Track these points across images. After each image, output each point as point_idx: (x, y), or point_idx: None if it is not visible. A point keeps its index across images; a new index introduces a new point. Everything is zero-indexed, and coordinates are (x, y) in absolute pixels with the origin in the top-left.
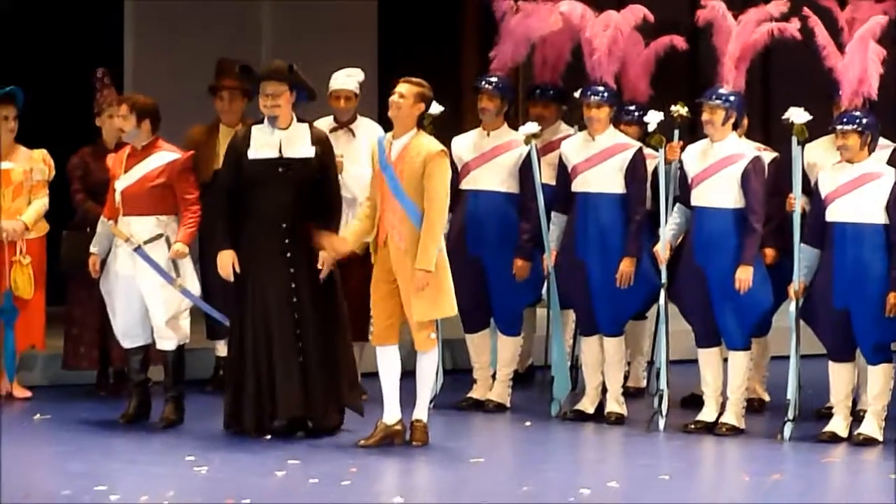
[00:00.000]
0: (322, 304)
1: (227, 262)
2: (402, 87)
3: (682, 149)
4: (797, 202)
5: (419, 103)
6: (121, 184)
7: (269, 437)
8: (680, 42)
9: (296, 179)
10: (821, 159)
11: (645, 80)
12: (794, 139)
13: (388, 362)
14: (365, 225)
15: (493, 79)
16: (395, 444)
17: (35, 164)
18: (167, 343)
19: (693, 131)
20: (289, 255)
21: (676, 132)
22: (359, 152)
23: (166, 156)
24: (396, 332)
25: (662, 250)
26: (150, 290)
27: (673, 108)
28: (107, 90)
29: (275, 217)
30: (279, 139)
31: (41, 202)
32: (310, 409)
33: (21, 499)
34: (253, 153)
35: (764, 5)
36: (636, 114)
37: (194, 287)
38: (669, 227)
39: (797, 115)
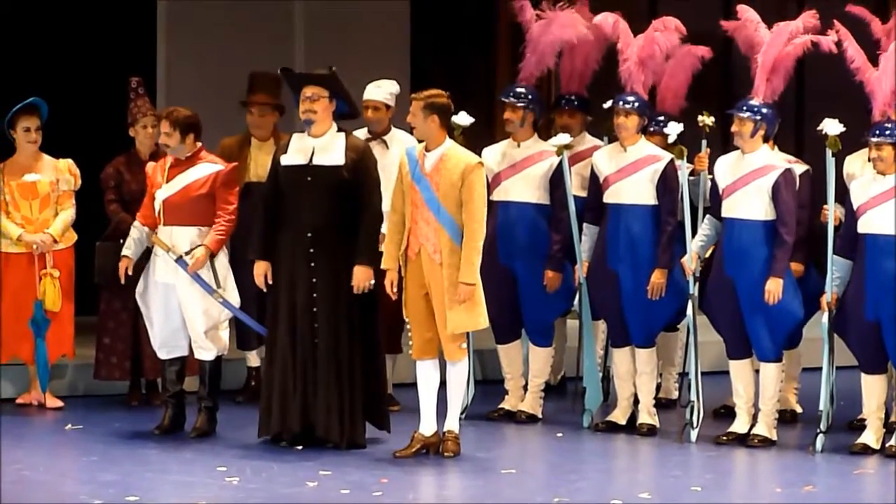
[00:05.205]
0: (344, 317)
1: (259, 273)
2: (412, 106)
3: (710, 159)
4: (831, 213)
5: (431, 114)
6: (162, 193)
7: (300, 447)
8: (705, 52)
9: (323, 188)
10: (859, 171)
11: (679, 93)
12: (829, 151)
13: (427, 376)
14: (397, 240)
15: (518, 90)
16: (429, 455)
17: (61, 174)
18: (206, 353)
19: (725, 143)
20: (312, 264)
21: (704, 142)
22: (392, 164)
23: (210, 167)
24: (436, 346)
25: (689, 262)
26: (190, 300)
27: (699, 117)
28: (140, 100)
29: (302, 225)
30: (312, 147)
31: (68, 213)
32: (318, 420)
33: None
34: (286, 159)
35: (798, 16)
36: (660, 124)
37: (234, 298)
38: (699, 238)
39: (831, 127)
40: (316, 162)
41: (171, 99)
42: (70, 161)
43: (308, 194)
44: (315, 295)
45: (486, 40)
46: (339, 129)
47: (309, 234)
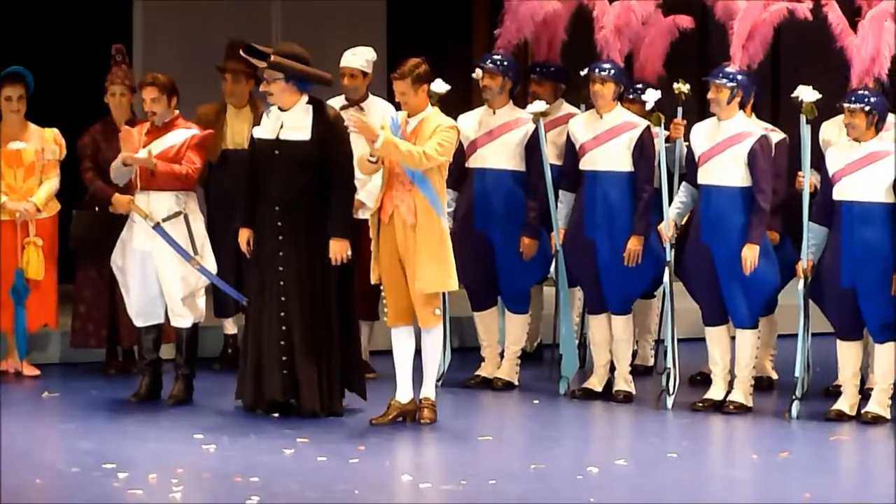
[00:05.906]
0: (317, 288)
1: (243, 239)
2: (399, 86)
3: (686, 126)
4: (806, 179)
5: (421, 85)
6: None
7: (276, 414)
8: (687, 22)
9: (290, 162)
10: (836, 137)
11: (657, 61)
12: (803, 117)
13: (403, 343)
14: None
15: (496, 57)
16: (406, 422)
17: (46, 143)
18: (182, 321)
19: (702, 110)
20: (280, 237)
21: (680, 110)
22: None
23: (185, 132)
24: (412, 313)
25: (666, 229)
26: (167, 266)
27: (675, 85)
28: (116, 67)
29: (270, 198)
30: (281, 121)
31: (52, 182)
32: (292, 392)
33: (29, 475)
34: (257, 132)
35: None
36: (638, 91)
37: (212, 265)
38: (675, 205)
39: (806, 94)
40: (283, 137)
41: (149, 69)
42: (56, 131)
43: (275, 168)
44: (282, 269)
45: (464, 7)
46: (311, 101)
47: (277, 208)
